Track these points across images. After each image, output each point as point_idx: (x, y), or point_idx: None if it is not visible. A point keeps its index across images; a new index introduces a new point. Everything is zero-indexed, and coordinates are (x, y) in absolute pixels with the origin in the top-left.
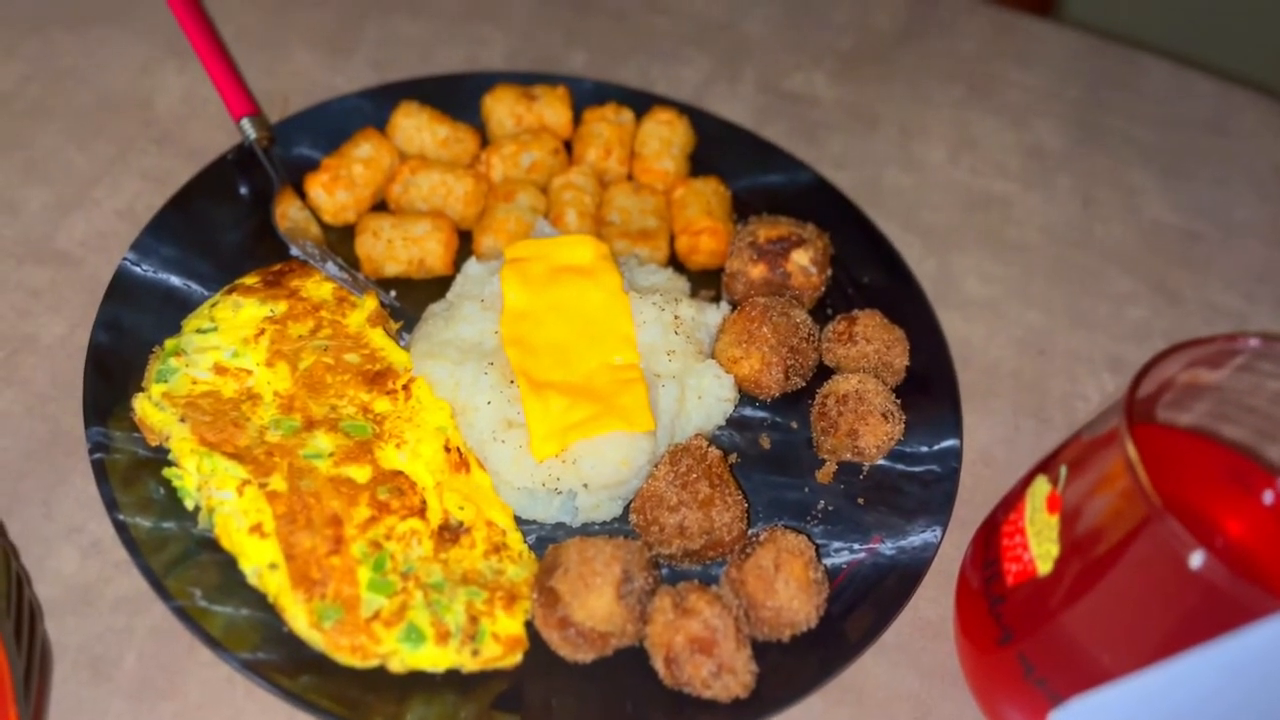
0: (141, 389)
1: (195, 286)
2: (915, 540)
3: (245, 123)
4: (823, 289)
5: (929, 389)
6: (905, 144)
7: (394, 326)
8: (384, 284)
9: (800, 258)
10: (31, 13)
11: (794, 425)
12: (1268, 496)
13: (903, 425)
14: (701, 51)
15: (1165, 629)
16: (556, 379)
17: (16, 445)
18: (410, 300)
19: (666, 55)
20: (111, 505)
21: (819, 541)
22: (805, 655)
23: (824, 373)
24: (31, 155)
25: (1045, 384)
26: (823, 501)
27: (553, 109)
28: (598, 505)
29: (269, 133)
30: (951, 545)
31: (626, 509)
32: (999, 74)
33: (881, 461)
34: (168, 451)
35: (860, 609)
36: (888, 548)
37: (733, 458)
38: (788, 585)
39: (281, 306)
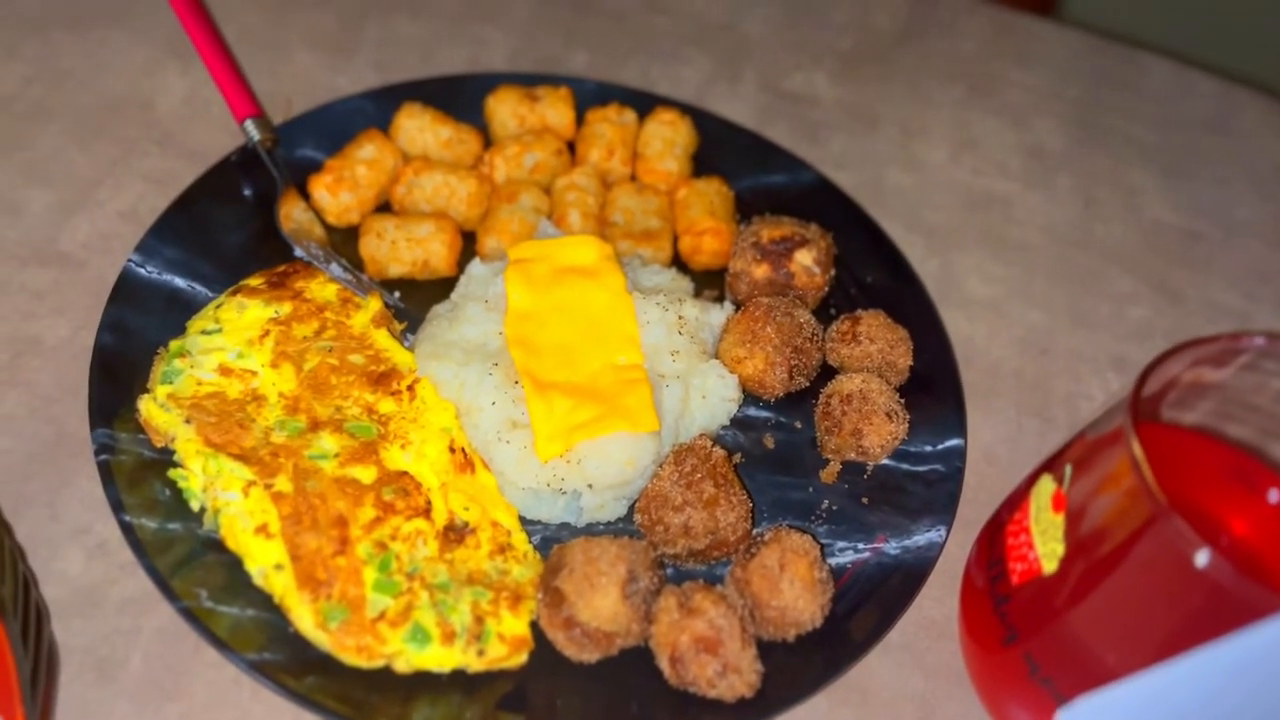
0: (146, 390)
1: (199, 288)
2: (920, 540)
3: (249, 124)
4: (826, 289)
5: (932, 388)
6: (906, 144)
7: (398, 327)
8: (388, 285)
9: (803, 258)
10: (33, 14)
11: (798, 425)
12: (1273, 495)
13: (906, 425)
14: (702, 52)
15: (1171, 628)
16: (561, 379)
17: (22, 447)
18: (414, 301)
19: (667, 56)
20: (117, 506)
21: (823, 541)
22: (810, 655)
23: (828, 372)
24: (34, 157)
25: (1048, 383)
26: (827, 501)
27: (555, 110)
28: (602, 505)
29: (272, 134)
30: (956, 545)
31: (631, 509)
32: (999, 74)
33: (886, 461)
34: (173, 453)
35: (865, 609)
36: (892, 547)
37: (737, 458)
38: (793, 585)
39: (286, 308)
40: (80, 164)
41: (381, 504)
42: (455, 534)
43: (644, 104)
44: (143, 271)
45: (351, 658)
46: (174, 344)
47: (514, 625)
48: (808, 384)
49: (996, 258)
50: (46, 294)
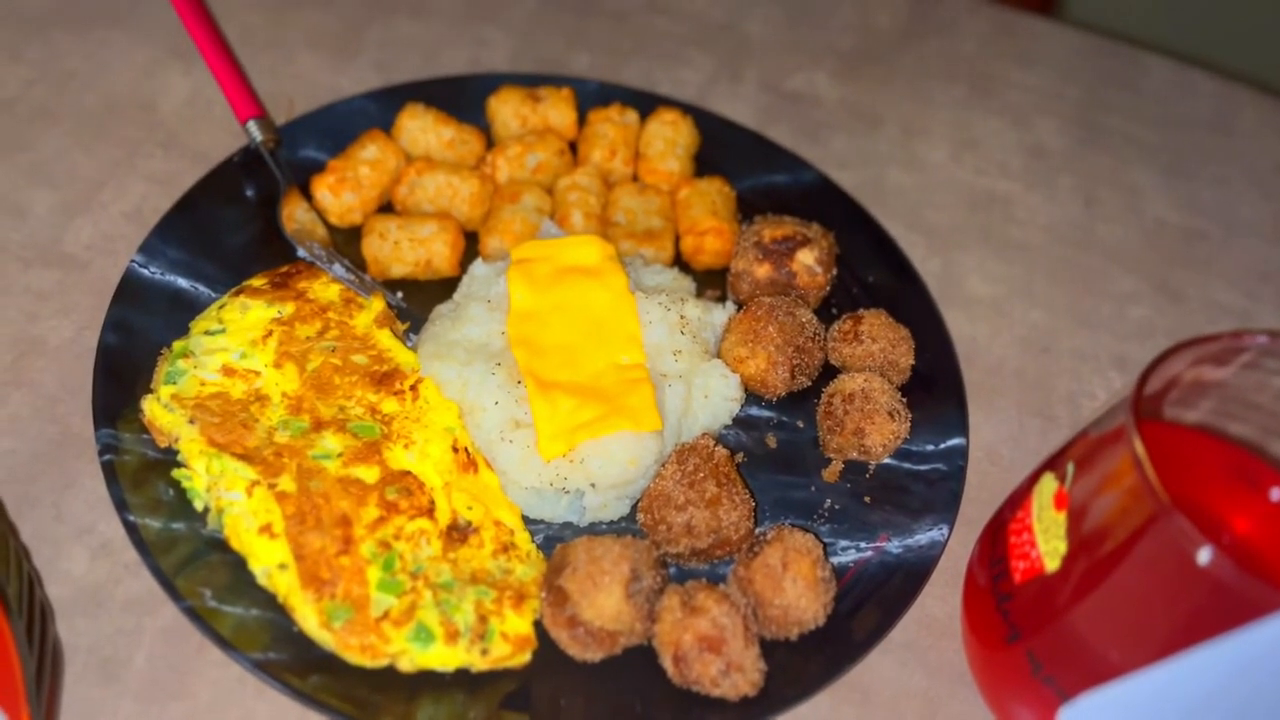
0: (150, 391)
1: (203, 288)
2: (922, 538)
3: (251, 125)
4: (828, 288)
5: (934, 388)
6: (908, 144)
7: (401, 327)
8: (390, 285)
9: (805, 257)
10: (35, 16)
11: (800, 424)
12: (1274, 493)
13: (909, 424)
14: (703, 52)
15: (1173, 625)
16: (564, 379)
17: (26, 447)
18: (417, 301)
19: (668, 56)
20: (121, 506)
21: (826, 540)
22: (813, 653)
23: (830, 372)
24: (37, 158)
25: (1050, 382)
26: (829, 500)
27: (558, 110)
28: (605, 505)
29: (275, 135)
30: (958, 543)
31: (634, 508)
32: (1000, 74)
33: (888, 460)
34: (177, 453)
35: (867, 607)
36: (894, 546)
37: (739, 457)
38: (795, 584)
39: (289, 308)
40: (83, 165)
41: (385, 504)
42: (459, 533)
43: (646, 104)
44: (146, 272)
45: (355, 657)
46: (177, 344)
47: (517, 624)
48: (810, 383)
49: (998, 257)
50: (50, 295)
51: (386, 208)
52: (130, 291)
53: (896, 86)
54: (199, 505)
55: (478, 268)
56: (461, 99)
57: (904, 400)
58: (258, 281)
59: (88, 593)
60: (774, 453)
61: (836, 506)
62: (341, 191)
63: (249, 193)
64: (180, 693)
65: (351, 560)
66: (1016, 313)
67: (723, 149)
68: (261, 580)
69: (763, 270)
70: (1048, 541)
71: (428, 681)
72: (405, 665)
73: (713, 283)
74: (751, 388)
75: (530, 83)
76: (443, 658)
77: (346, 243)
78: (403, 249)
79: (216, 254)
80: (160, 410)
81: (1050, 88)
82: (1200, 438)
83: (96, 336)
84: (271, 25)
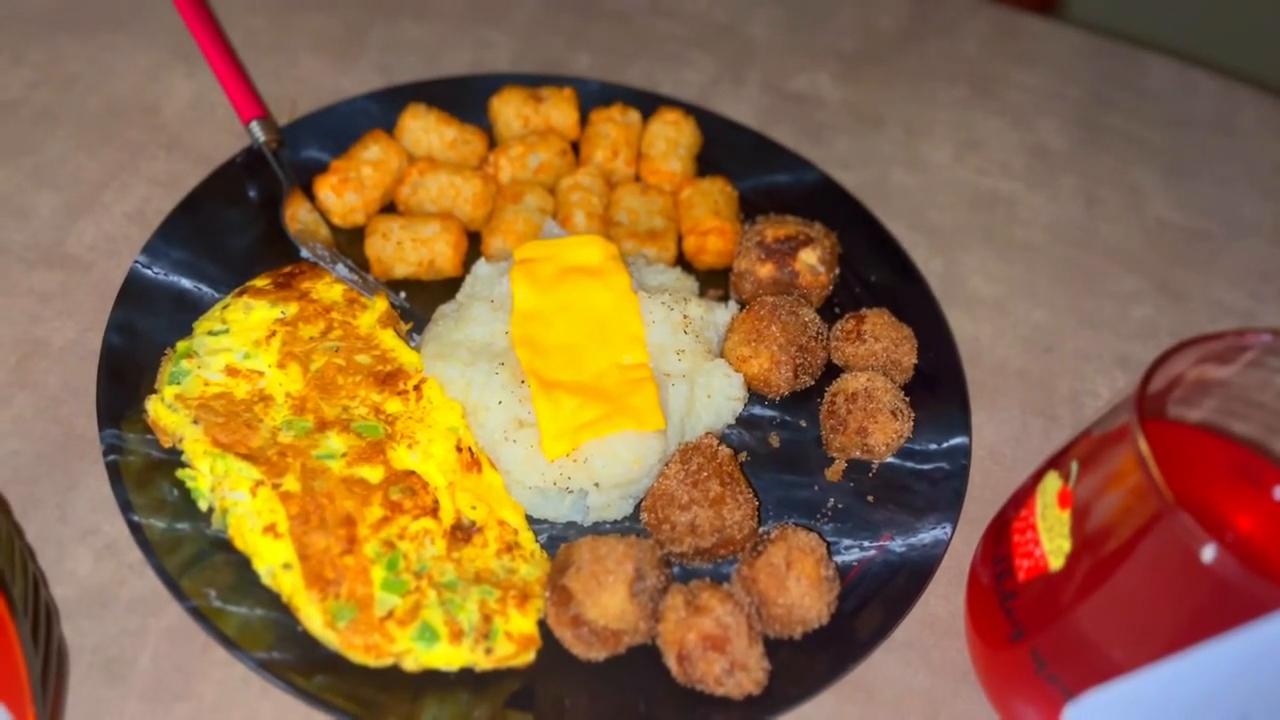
0: (154, 391)
1: (206, 289)
2: (925, 537)
3: (254, 126)
4: (830, 288)
5: (937, 387)
6: (910, 144)
7: (404, 327)
8: (393, 285)
9: (808, 257)
10: (38, 19)
11: (803, 423)
12: (1278, 491)
13: (912, 423)
14: (705, 53)
15: (1177, 623)
16: (567, 379)
17: (30, 448)
18: (420, 301)
19: (670, 57)
20: (125, 507)
21: (829, 539)
22: (817, 652)
23: (832, 371)
24: (40, 161)
25: (1052, 382)
26: (832, 499)
27: (560, 110)
28: (609, 504)
29: (278, 135)
30: (961, 542)
31: (637, 508)
32: (1002, 74)
33: (891, 459)
34: (181, 453)
35: (871, 606)
36: (898, 545)
37: (743, 456)
38: (799, 583)
39: (292, 308)
40: (87, 167)
41: (389, 503)
42: (462, 533)
43: (648, 104)
44: (149, 273)
45: (360, 656)
46: (181, 345)
47: (521, 624)
48: (813, 383)
49: (1000, 257)
50: (54, 296)
51: (389, 208)
52: (134, 292)
53: (898, 87)
54: (203, 505)
55: (481, 268)
56: (464, 99)
57: (907, 399)
58: (261, 282)
59: (92, 593)
60: (777, 452)
61: (840, 505)
62: (344, 192)
63: (252, 193)
64: (185, 693)
65: (356, 560)
66: (1019, 312)
67: (725, 149)
68: (266, 580)
69: (765, 270)
70: (1052, 540)
71: (432, 681)
72: (410, 665)
73: (715, 282)
74: (754, 387)
75: (532, 83)
76: (447, 657)
77: (349, 243)
78: (405, 249)
79: (220, 254)
80: (164, 411)
81: (1052, 88)
82: (1204, 436)
83: (100, 337)
84: (274, 28)
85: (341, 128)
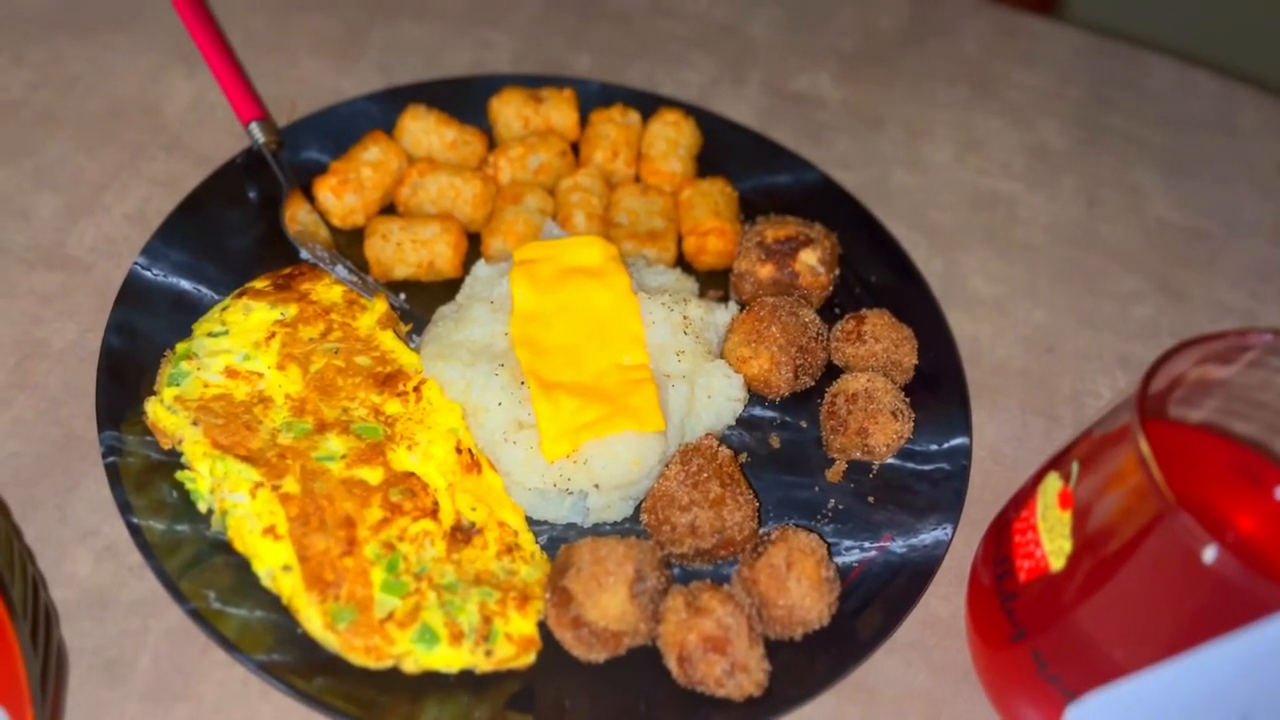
0: (153, 393)
1: (205, 290)
2: (926, 538)
3: (254, 127)
4: (831, 288)
5: (938, 387)
6: (910, 144)
7: (404, 329)
8: (393, 286)
9: (808, 257)
10: (39, 20)
11: (803, 424)
12: (1279, 491)
13: (912, 423)
14: (706, 54)
15: (1179, 624)
16: (567, 380)
17: (30, 450)
18: (420, 303)
19: (671, 58)
20: (125, 508)
21: (830, 540)
22: (817, 653)
23: (833, 372)
24: (41, 162)
25: (1053, 382)
26: (833, 500)
27: (560, 111)
28: (609, 505)
29: (277, 137)
30: (962, 543)
31: (637, 509)
32: (1002, 74)
33: (891, 460)
34: (180, 455)
35: (872, 607)
36: (899, 546)
37: (743, 457)
38: (800, 584)
39: (292, 310)
40: (87, 168)
41: (389, 505)
42: (462, 534)
43: (648, 105)
44: (149, 274)
45: (360, 658)
46: (180, 346)
47: (522, 625)
48: (813, 383)
49: (1001, 257)
50: (54, 297)
51: (389, 209)
52: (133, 294)
53: (898, 87)
54: (203, 507)
55: (480, 269)
56: (463, 100)
57: (907, 400)
58: (260, 283)
59: (92, 595)
60: (777, 453)
61: (840, 506)
62: (344, 193)
63: (251, 195)
64: (185, 695)
65: (355, 562)
66: (1019, 312)
67: (725, 150)
68: (265, 582)
69: (765, 270)
70: (1053, 540)
71: (432, 683)
72: (409, 666)
73: (715, 283)
74: (755, 388)
75: (532, 84)
76: (447, 659)
77: (349, 244)
78: (405, 250)
79: (219, 256)
80: (163, 412)
81: (1052, 88)
82: (1205, 436)
83: (100, 339)
84: (274, 29)
85: (341, 129)
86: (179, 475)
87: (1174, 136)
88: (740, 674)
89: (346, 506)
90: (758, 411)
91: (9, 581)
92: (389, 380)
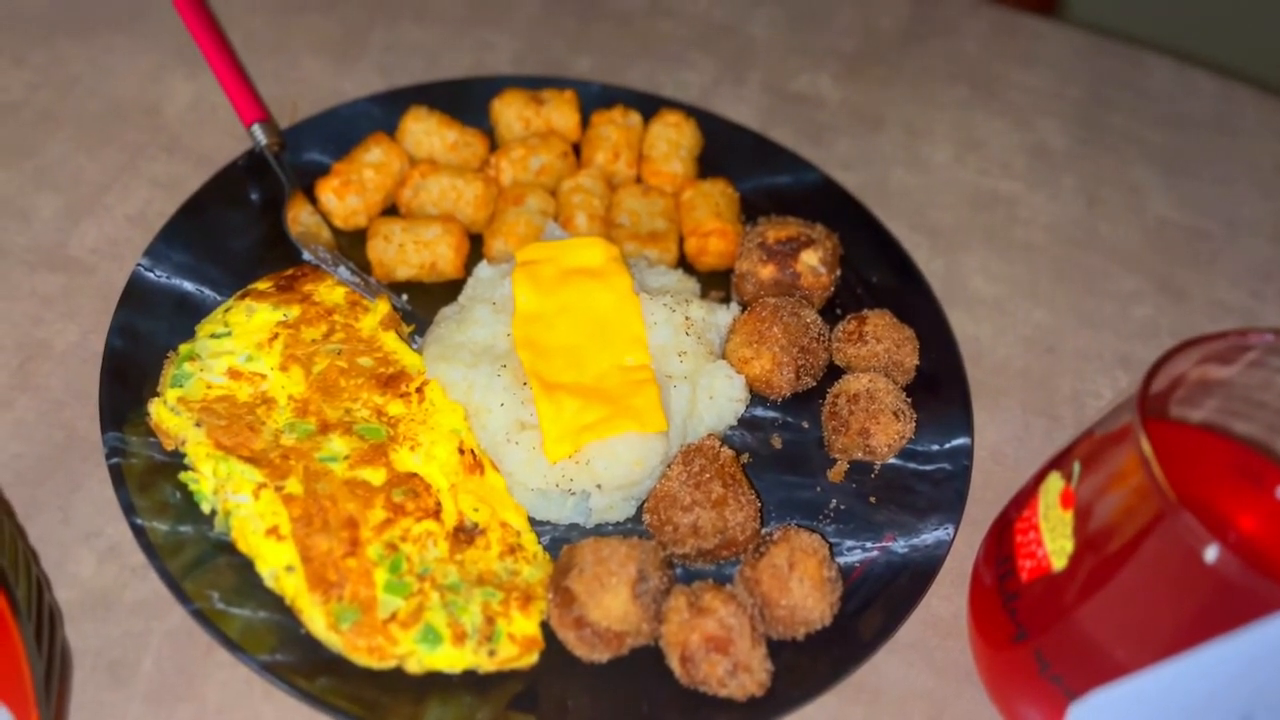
0: (157, 394)
1: (208, 292)
2: (928, 538)
3: (256, 128)
4: (832, 289)
5: (939, 388)
6: (911, 144)
7: (406, 330)
8: (395, 288)
9: (809, 258)
10: (39, 21)
11: (805, 425)
12: None
13: (914, 424)
14: (706, 55)
15: (1181, 623)
16: (569, 380)
17: (33, 451)
18: (422, 304)
19: (672, 59)
20: (128, 509)
21: (831, 540)
22: (820, 653)
23: (834, 372)
24: (42, 163)
25: (1054, 382)
26: (835, 500)
27: (561, 112)
28: (611, 506)
29: (279, 138)
30: (964, 543)
31: (640, 509)
32: (1002, 74)
33: (893, 460)
34: (183, 456)
35: (874, 607)
36: (900, 546)
37: (745, 458)
38: (802, 584)
39: (294, 311)
40: (88, 169)
41: (392, 506)
42: (465, 535)
43: (649, 106)
44: (151, 276)
45: (363, 659)
46: (183, 348)
47: (524, 625)
48: (815, 384)
49: (1001, 257)
50: (56, 299)
51: (391, 211)
52: (136, 295)
53: (899, 87)
54: (206, 508)
55: (482, 270)
56: (465, 102)
57: (909, 400)
58: (263, 284)
59: (96, 596)
60: (779, 453)
61: (842, 507)
62: (346, 194)
63: (253, 196)
64: (188, 695)
65: (358, 562)
66: (1020, 312)
67: (726, 150)
68: (269, 582)
69: (767, 271)
70: (1054, 540)
71: (435, 683)
72: (413, 667)
73: (717, 284)
74: (756, 388)
75: (533, 85)
76: (450, 659)
77: (351, 246)
78: (407, 252)
79: (221, 257)
80: (167, 413)
81: (1052, 88)
82: (1206, 436)
83: (102, 340)
84: (275, 30)
85: (343, 130)
86: (182, 476)
87: (1174, 136)
88: (743, 674)
89: (349, 507)
90: (759, 412)
91: (13, 582)
92: (391, 381)
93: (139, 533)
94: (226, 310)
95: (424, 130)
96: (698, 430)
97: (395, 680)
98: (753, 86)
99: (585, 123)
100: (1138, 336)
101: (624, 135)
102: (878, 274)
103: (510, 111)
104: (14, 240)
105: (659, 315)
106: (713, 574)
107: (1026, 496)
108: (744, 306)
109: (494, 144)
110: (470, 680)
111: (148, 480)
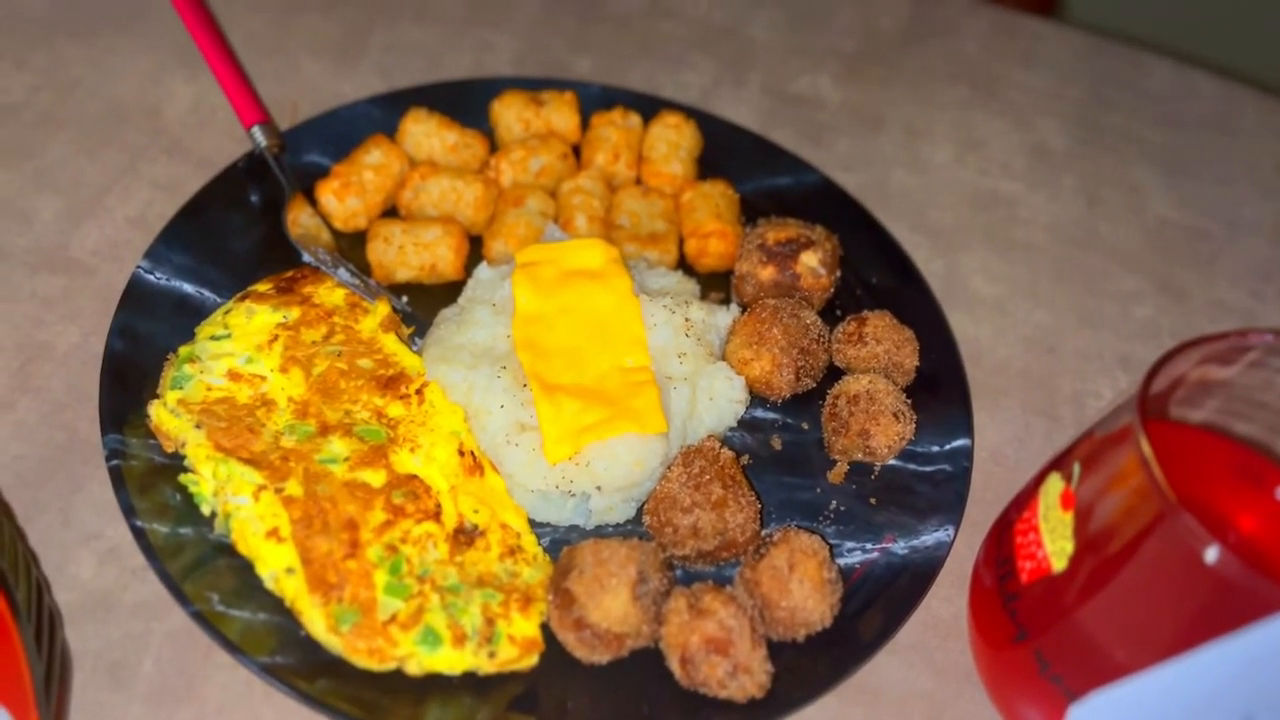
0: (157, 396)
1: (208, 294)
2: (928, 539)
3: (256, 130)
4: (832, 290)
5: (939, 389)
6: (911, 145)
7: (406, 331)
8: (395, 289)
9: (809, 259)
10: (40, 23)
11: (805, 426)
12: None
13: (914, 425)
14: (706, 56)
15: (1181, 624)
16: (569, 382)
17: (34, 453)
18: (422, 305)
19: (672, 60)
20: (129, 511)
21: (831, 542)
22: (820, 655)
23: (834, 374)
24: (42, 165)
25: (1054, 382)
26: (835, 502)
27: (561, 114)
28: (611, 507)
29: (279, 140)
30: (964, 544)
31: (640, 511)
32: (1002, 74)
33: (893, 461)
34: (184, 457)
35: (874, 608)
36: (900, 547)
37: (745, 459)
38: (802, 585)
39: (294, 313)
40: (89, 171)
41: (391, 507)
42: (465, 536)
43: (649, 107)
44: (152, 278)
45: (363, 660)
46: (183, 349)
47: (524, 627)
48: (814, 385)
49: (1001, 258)
50: (56, 301)
51: (391, 212)
52: (136, 297)
53: (899, 88)
54: (206, 510)
55: (482, 271)
56: (465, 103)
57: (909, 401)
58: (263, 286)
59: (96, 598)
60: (779, 455)
61: (842, 508)
62: (346, 196)
63: (254, 198)
64: (188, 697)
65: (358, 564)
66: (1020, 313)
67: (726, 152)
68: (269, 584)
69: (767, 273)
70: (1054, 541)
71: (435, 685)
72: (412, 668)
73: (717, 285)
74: (756, 390)
75: (533, 87)
76: (450, 661)
77: (351, 247)
78: (407, 253)
79: (222, 259)
80: (167, 415)
81: (1052, 88)
82: (1206, 437)
83: (103, 342)
84: (275, 31)
85: (343, 132)
86: (182, 478)
87: (1174, 136)
88: (743, 675)
89: (349, 509)
90: (759, 413)
91: (13, 584)
92: (391, 383)
93: (139, 535)
94: (226, 312)
95: (424, 132)
96: (698, 432)
97: (395, 682)
98: (752, 88)
99: (585, 124)
100: (1138, 337)
101: (624, 136)
102: (878, 275)
103: (510, 113)
104: (15, 242)
105: (659, 317)
106: (713, 575)
107: (1026, 498)
108: (744, 308)
109: (494, 145)
110: (470, 682)
111: (148, 482)
